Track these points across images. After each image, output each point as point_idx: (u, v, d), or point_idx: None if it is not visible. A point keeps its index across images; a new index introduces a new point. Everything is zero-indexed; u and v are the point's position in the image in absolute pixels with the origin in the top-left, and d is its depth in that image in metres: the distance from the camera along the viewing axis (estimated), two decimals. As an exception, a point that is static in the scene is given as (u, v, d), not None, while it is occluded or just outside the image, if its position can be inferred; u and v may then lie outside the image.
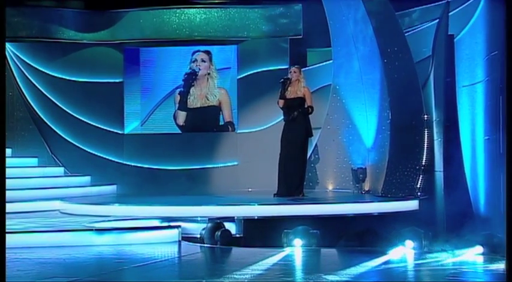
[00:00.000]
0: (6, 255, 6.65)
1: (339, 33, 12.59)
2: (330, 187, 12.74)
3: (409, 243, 7.47)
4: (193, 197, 11.86)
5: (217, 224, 8.45)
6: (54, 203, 10.78)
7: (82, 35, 14.36)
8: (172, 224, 8.42)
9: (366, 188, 11.88)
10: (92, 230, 7.98)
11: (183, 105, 14.47)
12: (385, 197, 10.86)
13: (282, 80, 11.16)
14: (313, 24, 13.64)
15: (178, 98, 14.49)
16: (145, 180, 13.98)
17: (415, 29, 12.00)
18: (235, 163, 14.22)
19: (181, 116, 14.49)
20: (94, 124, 14.30)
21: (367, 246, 8.05)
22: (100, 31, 14.39)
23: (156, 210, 9.56)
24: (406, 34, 11.62)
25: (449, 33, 10.93)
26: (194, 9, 14.40)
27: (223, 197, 11.71)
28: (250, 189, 13.34)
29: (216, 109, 14.47)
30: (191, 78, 14.48)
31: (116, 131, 14.41)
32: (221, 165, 14.24)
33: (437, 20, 11.09)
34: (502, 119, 9.40)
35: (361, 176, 11.95)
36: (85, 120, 14.29)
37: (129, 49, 14.53)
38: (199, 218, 9.07)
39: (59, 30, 14.25)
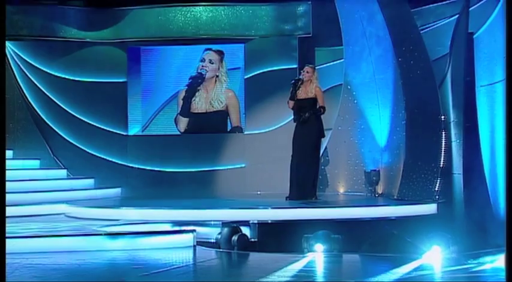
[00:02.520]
0: (19, 260, 6.56)
1: (351, 31, 12.44)
2: (341, 190, 12.58)
3: (437, 249, 7.25)
4: (202, 200, 11.71)
5: (233, 228, 8.30)
6: (60, 207, 10.63)
7: (85, 33, 14.17)
8: (187, 228, 8.19)
9: (380, 191, 11.72)
10: (104, 234, 7.78)
11: (185, 111, 14.24)
12: (401, 200, 10.66)
13: (293, 81, 11.01)
14: (323, 22, 13.49)
15: (181, 102, 14.25)
16: (150, 183, 13.82)
17: (430, 26, 11.85)
18: (243, 165, 14.04)
19: (183, 122, 14.26)
20: (97, 125, 14.11)
21: (390, 252, 7.87)
22: (103, 29, 14.20)
23: (166, 213, 9.42)
24: (421, 32, 11.46)
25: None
26: (200, 7, 14.23)
27: (234, 200, 11.58)
28: (259, 192, 13.20)
29: (223, 114, 14.25)
30: (196, 82, 14.25)
31: (119, 132, 14.22)
32: (228, 167, 14.06)
33: (456, 16, 10.92)
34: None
35: (374, 178, 11.78)
36: (88, 121, 14.10)
37: (133, 48, 14.33)
38: (212, 222, 8.88)
39: (61, 28, 14.05)
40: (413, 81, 11.17)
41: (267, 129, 13.99)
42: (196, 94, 14.22)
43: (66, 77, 14.11)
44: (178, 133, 14.28)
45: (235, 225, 8.44)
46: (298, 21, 14.07)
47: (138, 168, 14.11)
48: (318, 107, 10.89)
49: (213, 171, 14.06)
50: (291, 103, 10.92)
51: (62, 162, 13.76)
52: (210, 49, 14.26)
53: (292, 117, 11.11)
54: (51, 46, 14.03)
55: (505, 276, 5.56)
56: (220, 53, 14.27)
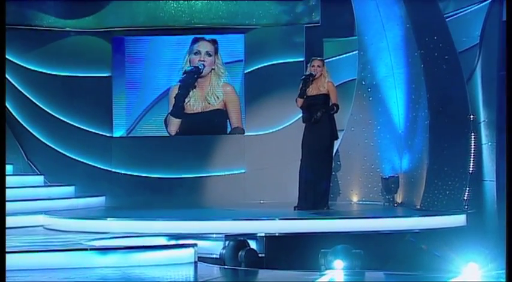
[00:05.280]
0: None
1: (366, 19, 12.35)
2: (355, 199, 12.49)
3: (473, 266, 7.10)
4: (199, 210, 11.72)
5: (240, 242, 8.24)
6: (37, 218, 10.53)
7: (64, 21, 14.09)
8: (186, 242, 8.07)
9: (399, 200, 11.65)
10: (92, 249, 7.63)
11: (178, 111, 14.12)
12: (425, 210, 10.60)
13: (304, 76, 10.95)
14: (333, 9, 13.50)
15: (173, 101, 14.13)
16: (138, 190, 13.77)
17: (456, 13, 11.77)
18: (242, 171, 13.98)
19: (174, 124, 14.16)
20: (77, 125, 14.04)
21: (419, 268, 7.77)
22: (85, 17, 14.12)
23: (161, 225, 9.34)
24: (447, 19, 11.41)
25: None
26: (195, -7, 14.17)
27: (234, 210, 11.51)
28: (262, 201, 13.17)
29: (221, 113, 14.14)
30: (192, 78, 14.13)
31: (103, 133, 14.15)
32: (226, 173, 13.99)
33: (488, 2, 10.86)
34: None
35: (392, 186, 11.70)
36: (67, 120, 14.04)
37: (118, 38, 14.24)
38: (214, 235, 8.80)
39: (37, 16, 13.99)
40: (437, 76, 11.12)
41: (270, 130, 13.94)
42: (190, 94, 14.07)
43: (43, 70, 14.04)
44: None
45: (241, 238, 8.37)
46: (305, 9, 13.99)
47: (125, 174, 14.05)
48: (330, 104, 10.81)
49: (208, 177, 14.00)
50: (300, 101, 10.87)
51: (38, 168, 13.73)
52: (201, 39, 14.15)
53: (302, 115, 11.01)
54: (26, 36, 13.92)
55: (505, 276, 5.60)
56: (215, 43, 14.18)
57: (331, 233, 8.86)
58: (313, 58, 11.24)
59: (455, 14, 11.76)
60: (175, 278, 7.10)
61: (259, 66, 14.08)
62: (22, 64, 13.95)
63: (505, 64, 7.39)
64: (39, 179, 13.14)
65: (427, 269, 7.79)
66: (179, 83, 14.14)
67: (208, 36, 14.16)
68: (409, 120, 11.61)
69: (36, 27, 13.99)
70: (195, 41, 14.15)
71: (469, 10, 11.55)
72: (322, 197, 10.82)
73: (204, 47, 14.15)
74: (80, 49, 14.12)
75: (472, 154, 10.71)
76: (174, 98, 14.11)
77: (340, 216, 9.91)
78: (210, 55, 14.12)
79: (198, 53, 14.13)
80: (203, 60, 14.11)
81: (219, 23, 14.12)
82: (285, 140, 13.18)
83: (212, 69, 14.13)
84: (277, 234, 9.07)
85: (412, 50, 11.37)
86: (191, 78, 14.12)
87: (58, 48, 14.07)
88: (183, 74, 14.13)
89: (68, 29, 14.11)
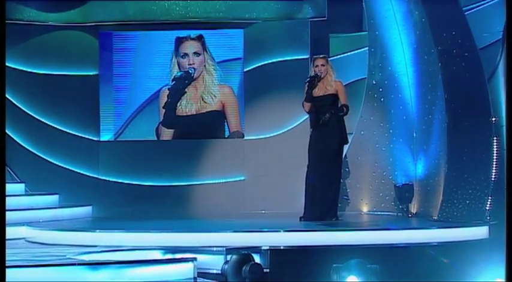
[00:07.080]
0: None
1: (377, 13, 12.35)
2: (365, 209, 12.50)
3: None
4: (196, 221, 11.74)
5: (244, 256, 8.18)
6: (19, 230, 10.47)
7: (46, 15, 14.03)
8: (185, 256, 8.09)
9: (414, 211, 11.67)
10: (82, 264, 7.56)
11: (169, 120, 14.09)
12: (443, 222, 10.58)
13: (309, 79, 10.97)
14: (340, 2, 13.44)
15: (163, 111, 14.08)
16: (128, 199, 13.70)
17: (476, 7, 11.79)
18: (242, 178, 13.95)
19: (167, 134, 14.14)
20: (61, 129, 13.97)
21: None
22: (70, 10, 14.06)
23: (155, 238, 9.32)
24: (466, 13, 11.38)
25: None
26: (190, -16, 14.17)
27: (234, 220, 11.53)
28: (264, 211, 13.18)
29: (218, 114, 14.10)
30: (183, 83, 14.09)
31: (89, 137, 14.10)
32: (224, 180, 13.96)
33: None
34: None
35: (406, 194, 11.73)
36: (50, 123, 13.96)
37: (106, 34, 14.21)
38: (215, 249, 8.75)
39: (17, 8, 13.88)
40: (456, 75, 11.07)
41: (272, 134, 13.92)
42: (182, 98, 14.04)
43: (23, 68, 13.97)
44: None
45: (245, 252, 8.32)
46: (309, 1, 13.95)
47: (113, 181, 13.99)
48: (339, 105, 10.83)
49: (204, 185, 13.95)
50: (308, 105, 10.95)
51: (18, 175, 13.65)
52: (185, 38, 14.12)
53: (309, 118, 11.04)
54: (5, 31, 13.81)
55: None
56: (201, 38, 14.16)
57: (343, 246, 8.83)
58: (314, 57, 11.29)
59: (476, 7, 11.79)
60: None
61: (260, 64, 14.05)
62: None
63: (506, 66, 7.38)
64: (20, 187, 13.03)
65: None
66: (168, 91, 14.08)
67: (193, 33, 14.12)
68: (424, 123, 11.61)
69: (16, 21, 13.85)
70: (179, 41, 14.09)
71: (490, 3, 11.57)
72: (331, 207, 10.83)
73: (190, 47, 14.10)
74: (64, 45, 14.05)
75: (495, 160, 10.66)
76: (164, 107, 14.05)
77: (352, 228, 9.87)
78: (198, 55, 14.07)
79: (185, 55, 14.08)
80: (193, 64, 14.05)
81: (216, 17, 14.08)
82: (289, 144, 13.20)
83: (204, 66, 14.08)
84: (282, 248, 9.02)
85: (428, 46, 11.35)
86: (182, 85, 14.07)
87: (40, 44, 14.01)
88: (172, 80, 14.08)
89: (51, 23, 14.05)
